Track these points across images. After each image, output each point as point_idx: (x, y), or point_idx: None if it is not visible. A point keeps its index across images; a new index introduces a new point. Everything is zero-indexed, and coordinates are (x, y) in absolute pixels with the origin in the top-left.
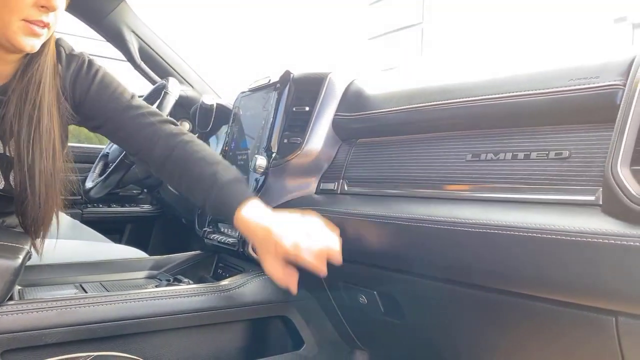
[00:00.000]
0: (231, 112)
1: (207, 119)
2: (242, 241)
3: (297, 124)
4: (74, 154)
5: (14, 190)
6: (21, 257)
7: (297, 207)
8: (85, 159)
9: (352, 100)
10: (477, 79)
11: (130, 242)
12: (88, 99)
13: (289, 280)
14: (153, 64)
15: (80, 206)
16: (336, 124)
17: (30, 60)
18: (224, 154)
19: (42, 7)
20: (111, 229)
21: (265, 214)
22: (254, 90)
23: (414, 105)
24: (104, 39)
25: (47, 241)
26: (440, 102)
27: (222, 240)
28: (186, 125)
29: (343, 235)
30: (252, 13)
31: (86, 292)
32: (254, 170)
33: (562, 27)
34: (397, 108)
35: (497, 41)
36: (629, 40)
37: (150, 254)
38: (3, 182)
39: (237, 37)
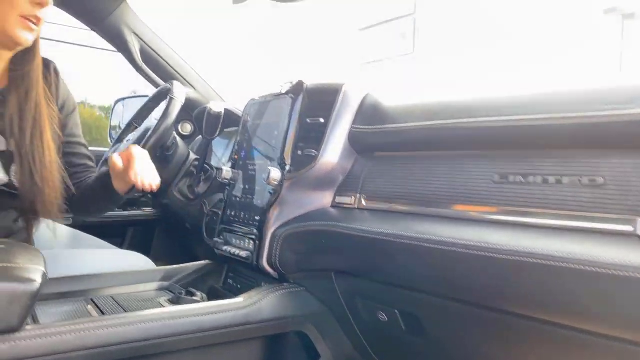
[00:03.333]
0: (239, 119)
1: (215, 126)
2: (257, 254)
3: (310, 135)
4: None
5: (20, 183)
6: (38, 280)
7: (312, 220)
8: None
9: (369, 112)
10: (503, 98)
11: (132, 246)
12: (69, 119)
13: None
14: (155, 66)
15: None
16: (353, 137)
17: (26, 59)
18: (234, 162)
19: (37, 3)
20: (113, 233)
21: None
22: (265, 98)
23: (438, 122)
24: (105, 41)
25: (50, 253)
26: (466, 121)
27: (235, 253)
28: (187, 127)
29: (362, 253)
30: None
31: (98, 307)
32: (267, 182)
33: (552, 17)
34: (420, 124)
35: (485, 30)
36: (619, 31)
37: (152, 258)
38: (7, 177)
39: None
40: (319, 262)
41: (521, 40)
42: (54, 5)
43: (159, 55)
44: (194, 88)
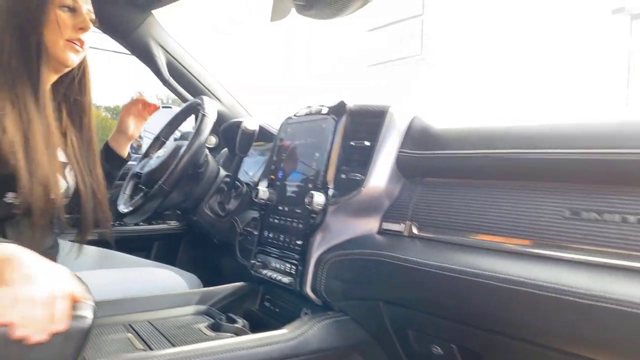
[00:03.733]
0: (271, 135)
1: (248, 143)
2: (300, 280)
3: (354, 158)
4: None
5: (79, 189)
6: (90, 316)
7: (360, 247)
8: None
9: (417, 136)
10: (572, 127)
11: (158, 259)
12: None
13: None
14: (181, 79)
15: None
16: (400, 161)
17: (82, 88)
18: (270, 182)
19: (80, 28)
20: (139, 247)
21: None
22: (303, 118)
23: (500, 151)
24: (131, 54)
25: (83, 274)
26: (532, 152)
27: (277, 278)
28: (212, 140)
29: (415, 285)
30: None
31: (138, 335)
32: (310, 206)
33: (560, 17)
34: (479, 152)
35: (495, 32)
36: (627, 31)
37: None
38: (66, 183)
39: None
40: (366, 291)
41: (529, 39)
42: None
43: (185, 68)
44: (220, 101)
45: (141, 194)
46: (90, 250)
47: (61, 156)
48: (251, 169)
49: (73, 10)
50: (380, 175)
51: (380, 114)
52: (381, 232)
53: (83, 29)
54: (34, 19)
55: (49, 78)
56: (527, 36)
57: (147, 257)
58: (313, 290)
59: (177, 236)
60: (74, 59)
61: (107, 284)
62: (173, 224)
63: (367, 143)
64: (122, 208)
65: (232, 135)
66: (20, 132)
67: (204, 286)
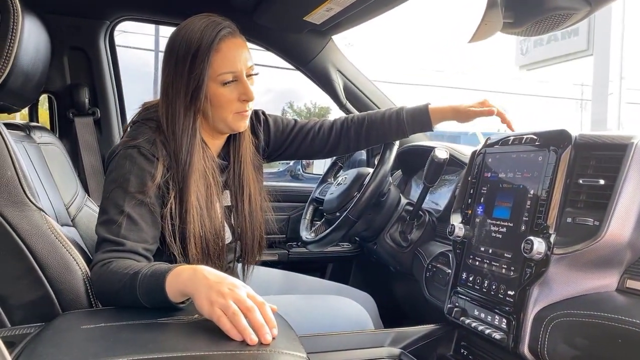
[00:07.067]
0: (460, 164)
1: (437, 173)
2: (515, 337)
3: (584, 199)
4: (278, 194)
5: (237, 231)
6: None
7: (593, 309)
8: (285, 198)
9: None
10: None
11: (332, 279)
12: (271, 142)
13: None
14: (356, 102)
15: (286, 245)
16: None
17: (239, 142)
18: (465, 216)
19: (244, 100)
20: (313, 267)
21: None
22: (508, 147)
23: None
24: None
25: (271, 298)
26: None
27: (484, 332)
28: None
29: None
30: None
31: None
32: (528, 254)
33: None
34: None
35: None
36: None
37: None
38: (230, 231)
39: None
40: None
41: None
42: (264, 49)
43: (359, 90)
44: None
45: (323, 220)
46: (275, 273)
47: (227, 199)
48: (432, 197)
49: (234, 81)
50: (623, 222)
51: (622, 147)
52: (623, 290)
53: (246, 100)
54: (194, 98)
55: (216, 145)
56: None
57: (322, 276)
58: (532, 351)
59: (350, 257)
60: (243, 126)
61: (295, 311)
62: (346, 246)
63: (602, 182)
64: (305, 235)
65: (408, 159)
66: (192, 200)
67: (377, 306)
